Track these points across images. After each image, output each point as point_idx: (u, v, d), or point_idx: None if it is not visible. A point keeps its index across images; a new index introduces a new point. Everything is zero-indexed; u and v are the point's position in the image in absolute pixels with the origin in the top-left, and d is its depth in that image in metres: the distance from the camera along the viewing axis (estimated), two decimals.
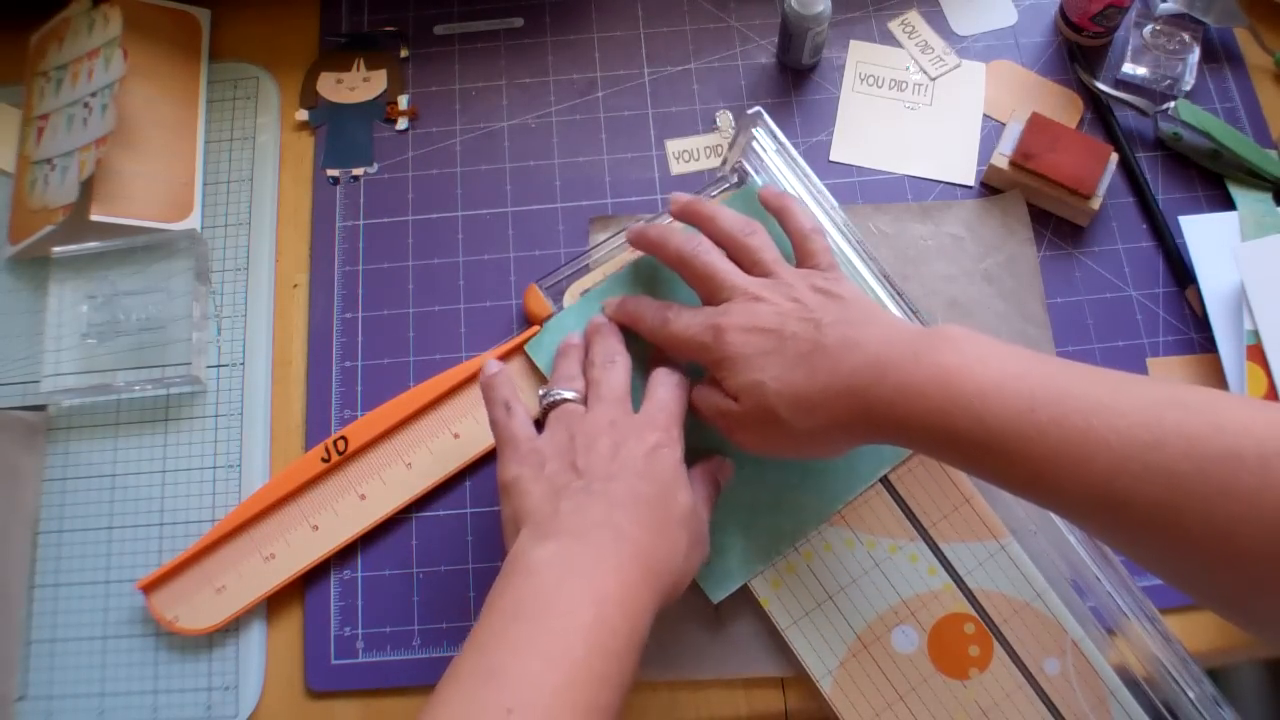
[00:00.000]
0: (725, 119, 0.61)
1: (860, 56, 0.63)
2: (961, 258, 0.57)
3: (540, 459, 0.43)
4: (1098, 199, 0.56)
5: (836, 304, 0.44)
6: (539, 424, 0.46)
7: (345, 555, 0.52)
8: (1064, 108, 0.61)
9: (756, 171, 0.54)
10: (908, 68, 0.62)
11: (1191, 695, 0.45)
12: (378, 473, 0.53)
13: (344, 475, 0.53)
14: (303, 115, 0.62)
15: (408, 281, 0.58)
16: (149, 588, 0.50)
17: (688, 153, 0.61)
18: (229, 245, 0.59)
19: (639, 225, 0.51)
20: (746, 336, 0.43)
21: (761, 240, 0.48)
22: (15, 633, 0.51)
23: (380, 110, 0.62)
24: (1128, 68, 0.61)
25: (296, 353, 0.57)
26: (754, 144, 0.53)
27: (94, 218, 0.55)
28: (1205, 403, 0.34)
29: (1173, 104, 0.59)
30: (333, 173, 0.61)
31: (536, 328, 0.54)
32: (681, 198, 0.51)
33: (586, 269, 0.55)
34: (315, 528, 0.52)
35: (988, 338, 0.40)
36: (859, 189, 0.59)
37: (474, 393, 0.53)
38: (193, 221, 0.59)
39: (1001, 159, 0.57)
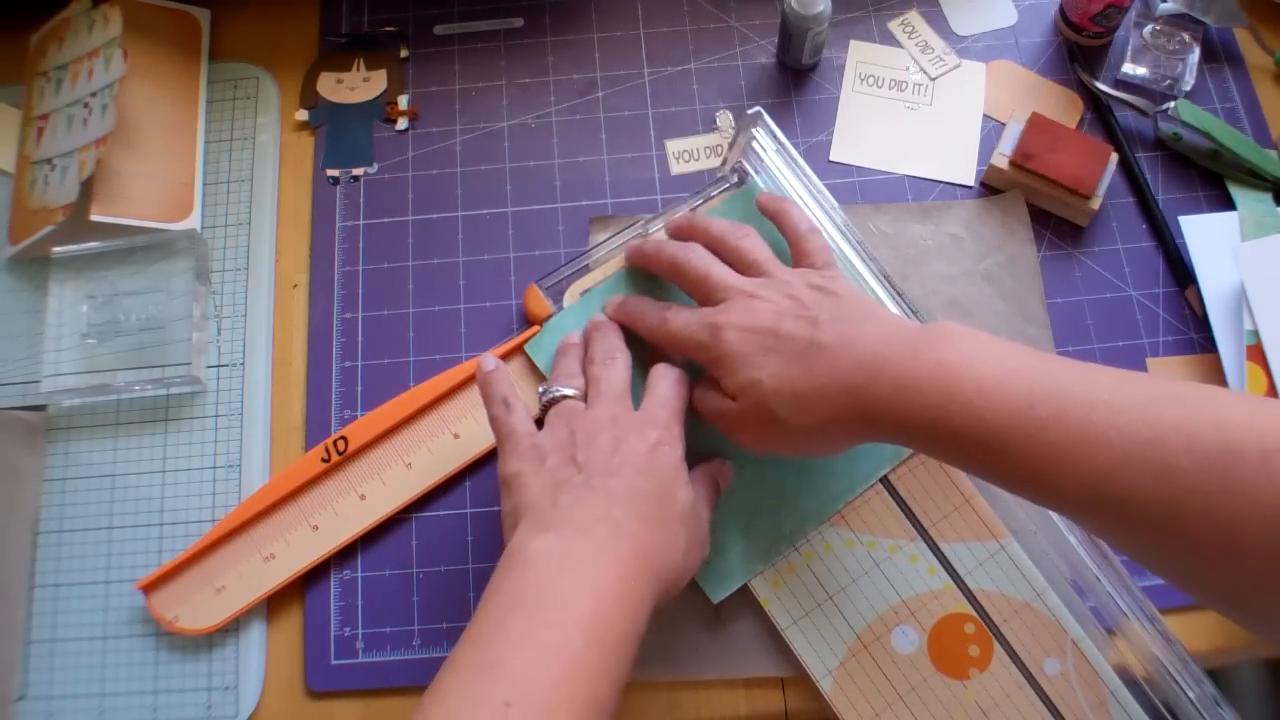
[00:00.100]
0: (725, 119, 0.61)
1: (860, 56, 0.63)
2: (961, 258, 0.57)
3: (540, 454, 0.43)
4: (1098, 199, 0.56)
5: (833, 301, 0.44)
6: (539, 422, 0.46)
7: (345, 555, 0.52)
8: (1064, 108, 0.61)
9: (756, 171, 0.54)
10: (908, 68, 0.62)
11: (1191, 695, 0.45)
12: (378, 473, 0.53)
13: (344, 475, 0.53)
14: (303, 115, 0.62)
15: (408, 281, 0.58)
16: (149, 588, 0.50)
17: (688, 153, 0.61)
18: (229, 245, 0.59)
19: (634, 242, 0.52)
20: (743, 335, 0.43)
21: (753, 242, 0.48)
22: (15, 633, 0.51)
23: (380, 110, 0.62)
24: (1128, 68, 0.61)
25: (296, 353, 0.57)
26: (754, 144, 0.53)
27: (94, 218, 0.55)
28: (1204, 399, 0.34)
29: (1173, 104, 0.59)
30: (333, 173, 0.61)
31: (536, 328, 0.54)
32: (675, 218, 0.51)
33: (586, 269, 0.55)
34: (315, 528, 0.52)
35: (986, 335, 0.40)
36: (859, 189, 0.59)
37: (474, 393, 0.53)
38: (193, 221, 0.59)
39: (1001, 159, 0.57)
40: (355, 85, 0.63)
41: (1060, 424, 0.35)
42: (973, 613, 0.49)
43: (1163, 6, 0.61)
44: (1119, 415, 0.34)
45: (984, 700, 0.47)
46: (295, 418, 0.56)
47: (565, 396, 0.46)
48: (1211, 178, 0.59)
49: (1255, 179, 0.58)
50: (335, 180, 0.60)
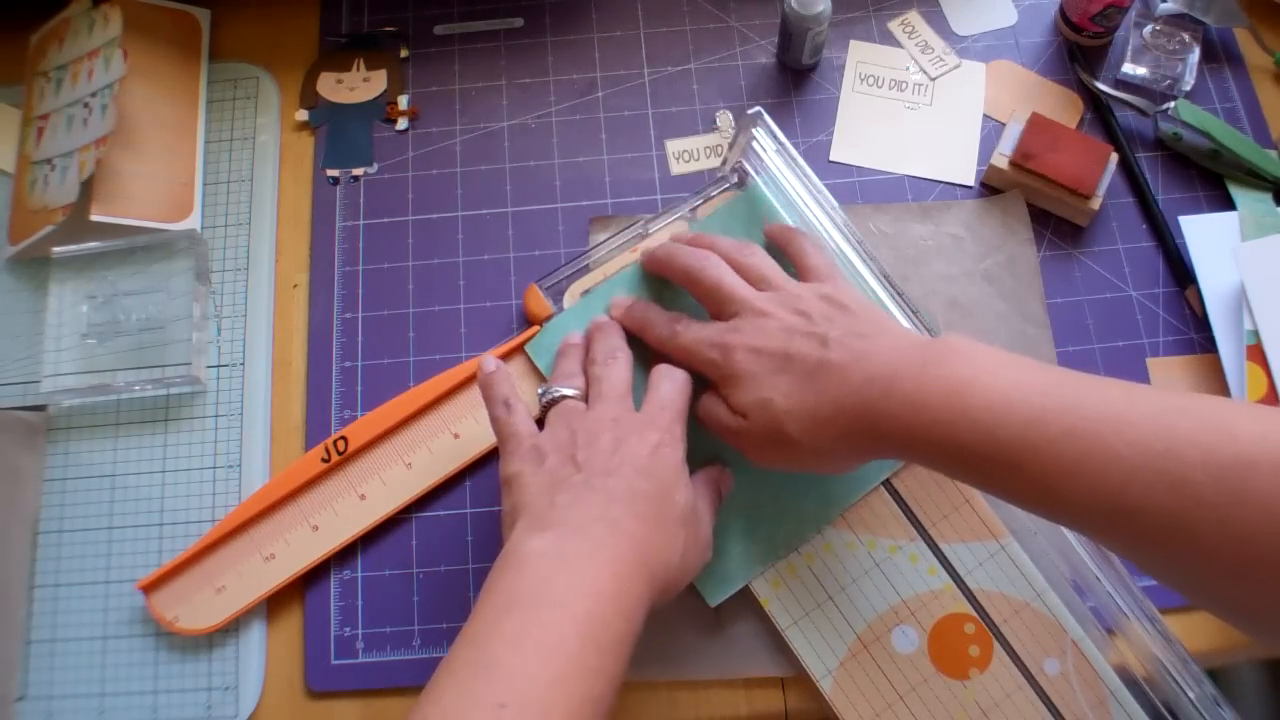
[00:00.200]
0: (725, 119, 0.61)
1: (860, 56, 0.63)
2: (961, 258, 0.57)
3: (540, 454, 0.43)
4: (1098, 199, 0.56)
5: (844, 315, 0.44)
6: (539, 423, 0.46)
7: (345, 555, 0.52)
8: (1064, 108, 0.61)
9: (757, 172, 0.54)
10: (908, 68, 0.62)
11: (1191, 695, 0.45)
12: (378, 473, 0.53)
13: (344, 475, 0.53)
14: (303, 115, 0.62)
15: (408, 281, 0.58)
16: (149, 588, 0.50)
17: (688, 153, 0.61)
18: (229, 245, 0.59)
19: (650, 247, 0.52)
20: (755, 356, 0.43)
21: (760, 258, 0.48)
22: (15, 633, 0.51)
23: (380, 110, 0.62)
24: (1128, 68, 0.61)
25: (296, 353, 0.57)
26: (754, 144, 0.53)
27: (94, 218, 0.55)
28: (1216, 412, 0.34)
29: (1173, 104, 0.59)
30: (333, 173, 0.61)
31: (536, 328, 0.54)
32: (685, 235, 0.52)
33: (586, 269, 0.55)
34: (315, 528, 0.52)
35: (994, 349, 0.40)
36: (859, 189, 0.59)
37: (474, 393, 0.53)
38: (193, 221, 0.59)
39: (1001, 159, 0.57)
40: (355, 85, 0.63)
41: (1071, 438, 0.35)
42: (973, 613, 0.49)
43: (1163, 6, 0.61)
44: (1131, 429, 0.34)
45: (984, 700, 0.47)
46: (295, 418, 0.56)
47: (565, 397, 0.46)
48: (1211, 178, 0.59)
49: (1255, 179, 0.58)
50: (335, 180, 0.60)
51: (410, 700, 0.50)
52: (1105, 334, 0.56)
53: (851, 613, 0.49)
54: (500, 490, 0.44)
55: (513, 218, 0.59)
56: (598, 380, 0.46)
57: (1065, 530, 0.47)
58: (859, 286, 0.50)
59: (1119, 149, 0.58)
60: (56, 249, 0.57)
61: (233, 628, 0.51)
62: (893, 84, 0.62)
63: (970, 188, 0.59)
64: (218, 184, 0.60)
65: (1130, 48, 0.61)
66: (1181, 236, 0.56)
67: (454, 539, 0.53)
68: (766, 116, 0.53)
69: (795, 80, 0.62)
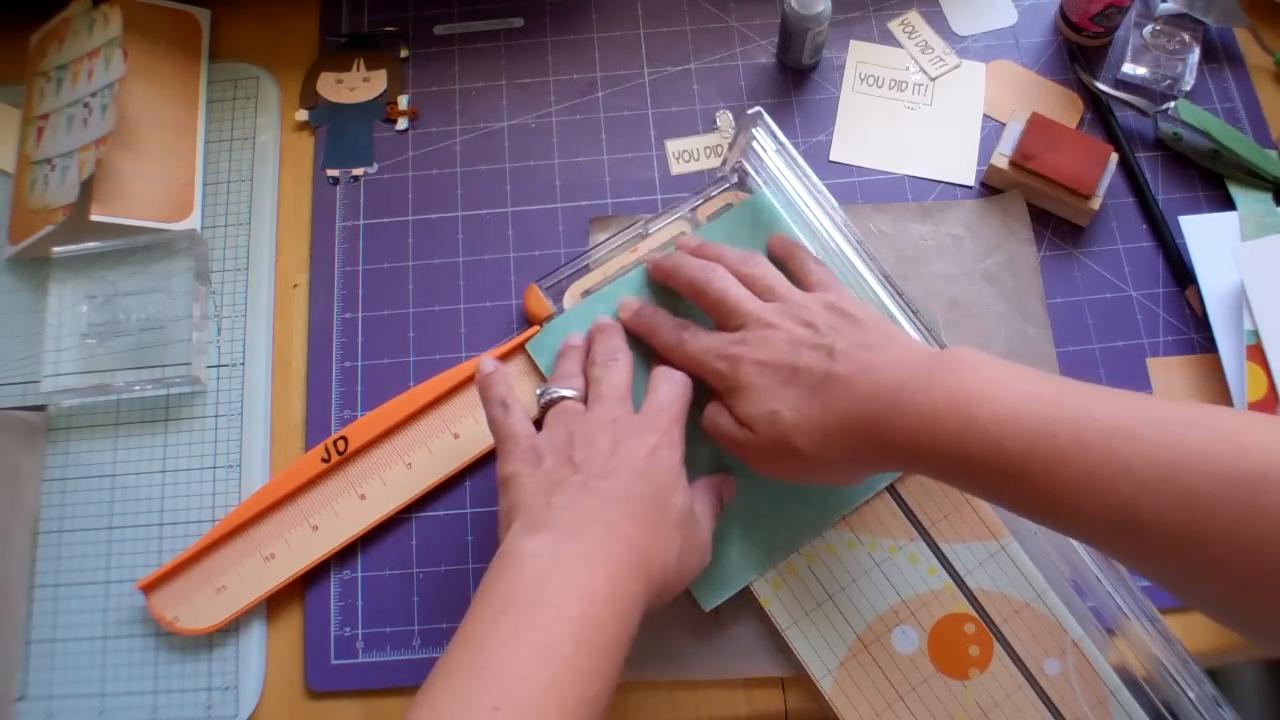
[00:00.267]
0: (725, 119, 0.61)
1: (860, 56, 0.63)
2: (961, 258, 0.57)
3: (537, 455, 0.43)
4: (1098, 199, 0.56)
5: (850, 325, 0.44)
6: (538, 424, 0.46)
7: (345, 555, 0.52)
8: (1064, 108, 0.61)
9: (756, 171, 0.54)
10: (908, 68, 0.62)
11: (1191, 695, 0.45)
12: (378, 473, 0.53)
13: (344, 475, 0.53)
14: (303, 115, 0.62)
15: (408, 281, 0.58)
16: (149, 588, 0.50)
17: (688, 153, 0.61)
18: (229, 245, 0.59)
19: (654, 257, 0.52)
20: (761, 369, 0.43)
21: (765, 269, 0.48)
22: (15, 633, 0.51)
23: (380, 110, 0.62)
24: (1128, 68, 0.61)
25: (296, 353, 0.57)
26: (754, 144, 0.53)
27: (94, 218, 0.55)
28: (1224, 423, 0.34)
29: (1173, 104, 0.59)
30: (333, 173, 0.61)
31: (536, 328, 0.54)
32: (690, 242, 0.52)
33: (586, 269, 0.55)
34: (315, 528, 0.52)
35: (1000, 360, 0.40)
36: (859, 189, 0.59)
37: (474, 393, 0.53)
38: (193, 221, 0.59)
39: (1001, 159, 0.57)
40: (355, 85, 0.63)
41: (1081, 450, 0.35)
42: (973, 613, 0.49)
43: (1163, 6, 0.61)
44: (1140, 441, 0.34)
45: (984, 700, 0.47)
46: (295, 418, 0.56)
47: (564, 398, 0.46)
48: (1211, 178, 0.59)
49: (1255, 179, 0.58)
50: (335, 180, 0.60)
51: (410, 700, 0.50)
52: (1105, 334, 0.56)
53: (851, 613, 0.49)
54: (497, 490, 0.44)
55: (513, 218, 0.59)
56: (597, 381, 0.46)
57: None
58: (859, 287, 0.50)
59: (1119, 149, 0.58)
60: (56, 249, 0.57)
61: (233, 628, 0.51)
62: (893, 84, 0.62)
63: (970, 188, 0.59)
64: (218, 184, 0.60)
65: (1130, 48, 0.61)
66: (1181, 236, 0.56)
67: (454, 539, 0.53)
68: (766, 116, 0.53)
69: (795, 80, 0.62)
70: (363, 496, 0.52)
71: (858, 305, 0.45)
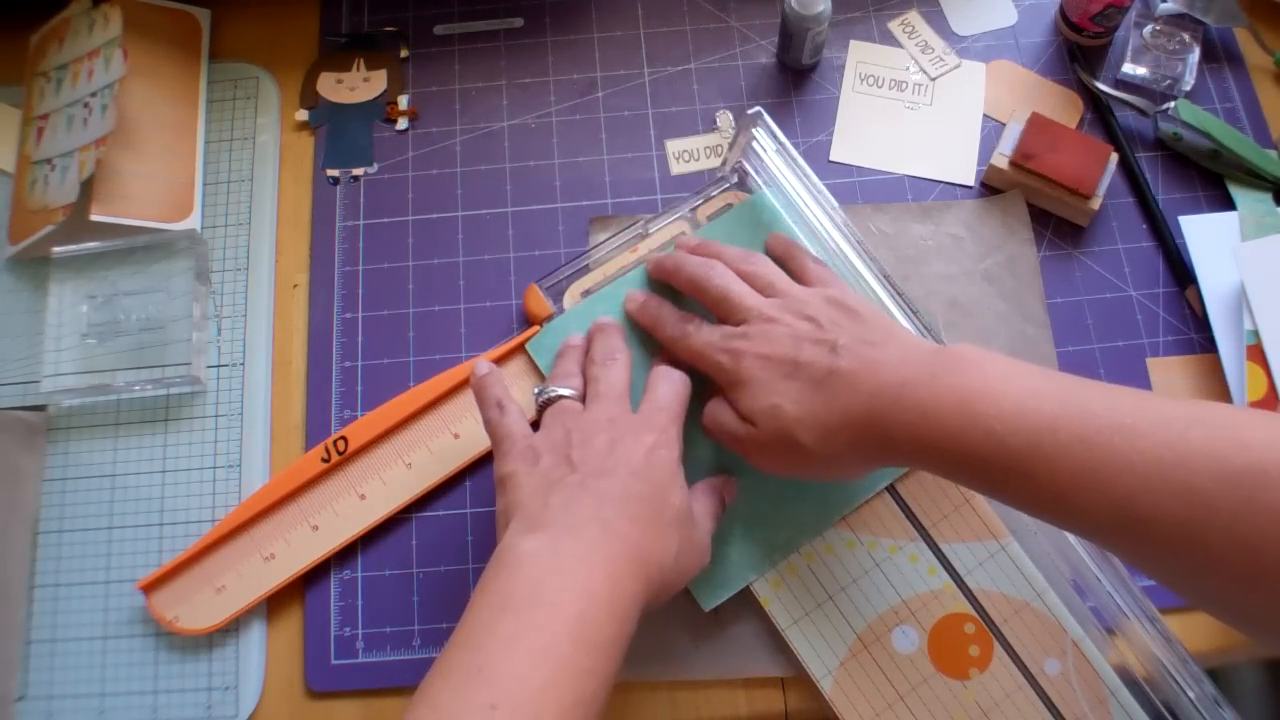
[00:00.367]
0: (725, 119, 0.61)
1: (860, 56, 0.63)
2: (961, 258, 0.57)
3: (535, 455, 0.43)
4: (1098, 199, 0.56)
5: (852, 320, 0.44)
6: (536, 424, 0.46)
7: (345, 555, 0.52)
8: (1064, 108, 0.61)
9: (756, 171, 0.54)
10: (908, 68, 0.62)
11: (1191, 695, 0.45)
12: (378, 473, 0.53)
13: (344, 475, 0.53)
14: (303, 115, 0.62)
15: (408, 281, 0.58)
16: (149, 588, 0.50)
17: (688, 153, 0.61)
18: (229, 245, 0.59)
19: (656, 256, 0.52)
20: (764, 363, 0.43)
21: (765, 266, 0.48)
22: (15, 633, 0.51)
23: (380, 110, 0.62)
24: (1128, 68, 0.61)
25: (296, 353, 0.57)
26: (754, 144, 0.53)
27: (94, 218, 0.55)
28: (1226, 420, 0.34)
29: (1173, 104, 0.59)
30: (333, 173, 0.61)
31: (536, 328, 0.54)
32: (690, 241, 0.52)
33: (586, 269, 0.55)
34: (315, 528, 0.52)
35: (1004, 357, 0.40)
36: (859, 189, 0.59)
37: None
38: (193, 221, 0.59)
39: (1001, 159, 0.57)
40: (355, 85, 0.63)
41: (1084, 447, 0.35)
42: (973, 613, 0.49)
43: (1163, 6, 0.61)
44: (1142, 439, 0.34)
45: (984, 700, 0.47)
46: (295, 418, 0.56)
47: (561, 397, 0.46)
48: (1211, 178, 0.59)
49: (1255, 179, 0.58)
50: (335, 180, 0.60)
51: (410, 700, 0.50)
52: (1105, 334, 0.56)
53: (852, 613, 0.49)
54: (495, 490, 0.44)
55: (513, 218, 0.59)
56: (595, 380, 0.46)
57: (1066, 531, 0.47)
58: (859, 287, 0.50)
59: (1119, 149, 0.58)
60: (56, 249, 0.57)
61: (233, 628, 0.51)
62: (893, 84, 0.62)
63: (970, 188, 0.59)
64: (218, 184, 0.60)
65: (1130, 48, 0.61)
66: (1181, 236, 0.56)
67: (454, 539, 0.53)
68: (766, 116, 0.53)
69: (795, 80, 0.62)
70: (363, 496, 0.52)
71: (858, 300, 0.45)
